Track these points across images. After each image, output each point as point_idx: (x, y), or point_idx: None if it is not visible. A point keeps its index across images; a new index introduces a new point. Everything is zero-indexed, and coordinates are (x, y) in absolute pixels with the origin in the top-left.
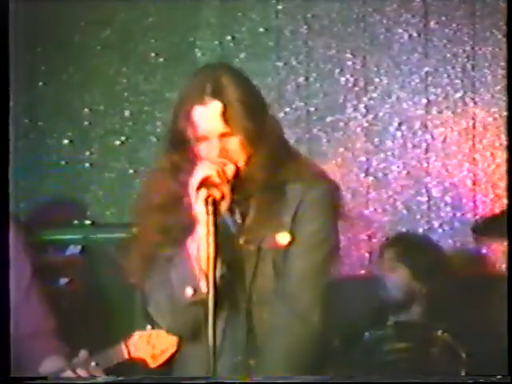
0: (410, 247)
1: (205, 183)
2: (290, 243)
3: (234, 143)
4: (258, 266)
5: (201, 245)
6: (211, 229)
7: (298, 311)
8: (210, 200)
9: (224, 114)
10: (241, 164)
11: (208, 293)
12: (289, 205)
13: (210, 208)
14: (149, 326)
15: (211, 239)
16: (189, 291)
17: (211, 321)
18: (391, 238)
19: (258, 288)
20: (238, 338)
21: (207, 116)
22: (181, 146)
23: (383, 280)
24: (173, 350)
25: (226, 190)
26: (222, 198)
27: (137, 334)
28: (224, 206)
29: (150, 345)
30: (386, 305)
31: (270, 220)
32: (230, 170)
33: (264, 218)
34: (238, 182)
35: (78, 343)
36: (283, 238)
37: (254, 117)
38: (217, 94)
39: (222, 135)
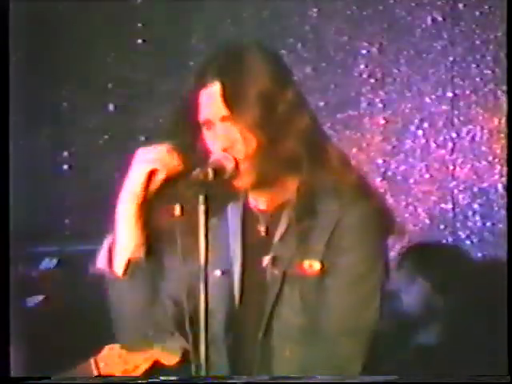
0: (432, 257)
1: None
2: (323, 274)
3: (236, 130)
4: (281, 293)
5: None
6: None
7: (335, 362)
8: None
9: (223, 94)
10: (240, 156)
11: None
12: (322, 227)
13: (202, 208)
14: None
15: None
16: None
17: (203, 326)
18: (410, 247)
19: (281, 320)
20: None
21: (209, 97)
22: (192, 133)
23: (400, 294)
24: (147, 364)
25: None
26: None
27: (107, 348)
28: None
29: (122, 359)
30: (402, 322)
31: (299, 242)
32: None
33: (293, 239)
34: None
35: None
36: (312, 266)
37: (265, 102)
38: (218, 73)
39: (223, 119)
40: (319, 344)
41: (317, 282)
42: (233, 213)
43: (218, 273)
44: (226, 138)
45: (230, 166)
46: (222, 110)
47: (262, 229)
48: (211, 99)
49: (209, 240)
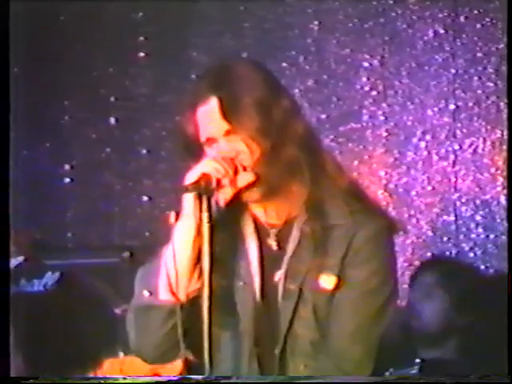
0: (452, 271)
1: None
2: (337, 288)
3: (239, 141)
4: (297, 309)
5: (178, 250)
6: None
7: (346, 370)
8: (204, 206)
9: (222, 109)
10: (249, 168)
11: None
12: (337, 240)
13: (206, 215)
14: (121, 353)
15: (206, 247)
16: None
17: (206, 327)
18: (430, 260)
19: (295, 335)
20: None
21: (209, 114)
22: (195, 153)
23: (417, 308)
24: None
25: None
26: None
27: (108, 362)
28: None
29: (124, 373)
30: (416, 337)
31: (314, 257)
32: (245, 177)
33: (308, 253)
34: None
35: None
36: (329, 282)
37: (264, 112)
38: (216, 87)
39: (226, 133)
40: (330, 356)
41: (330, 296)
42: (245, 227)
43: (240, 283)
44: (231, 150)
45: (217, 176)
46: (224, 125)
47: (273, 243)
48: (211, 116)
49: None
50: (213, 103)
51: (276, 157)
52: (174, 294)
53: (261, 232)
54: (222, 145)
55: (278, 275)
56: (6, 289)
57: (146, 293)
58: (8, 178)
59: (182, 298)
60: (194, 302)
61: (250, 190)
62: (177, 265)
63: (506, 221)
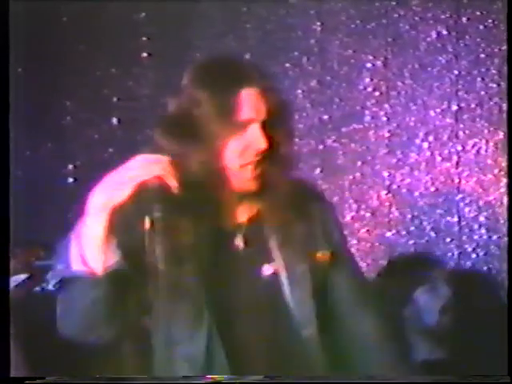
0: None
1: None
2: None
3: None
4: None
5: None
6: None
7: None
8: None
9: (263, 98)
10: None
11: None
12: (313, 228)
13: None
14: None
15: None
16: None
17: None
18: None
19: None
20: None
21: (252, 98)
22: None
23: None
24: None
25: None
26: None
27: None
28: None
29: None
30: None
31: (300, 243)
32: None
33: (294, 244)
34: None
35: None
36: (324, 255)
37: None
38: (253, 78)
39: (264, 122)
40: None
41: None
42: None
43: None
44: (263, 141)
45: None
46: (263, 112)
47: (239, 243)
48: (254, 99)
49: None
50: (253, 90)
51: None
52: (87, 265)
53: (224, 232)
54: (258, 131)
55: (268, 269)
56: (6, 289)
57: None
58: (9, 178)
59: (98, 270)
60: (113, 276)
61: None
62: (90, 237)
63: (507, 222)
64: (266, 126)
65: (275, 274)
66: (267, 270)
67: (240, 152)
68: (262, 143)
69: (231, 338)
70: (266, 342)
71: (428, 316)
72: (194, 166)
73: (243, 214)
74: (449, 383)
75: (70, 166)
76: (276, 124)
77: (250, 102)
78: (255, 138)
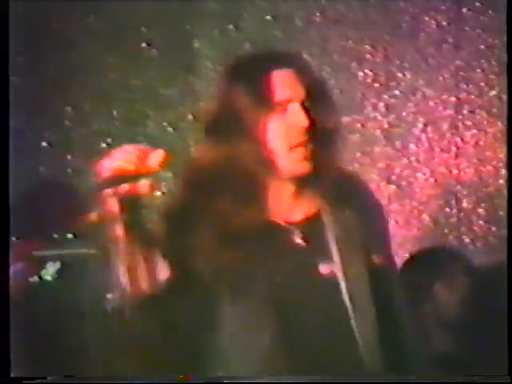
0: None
1: (116, 178)
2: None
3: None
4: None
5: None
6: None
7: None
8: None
9: (300, 79)
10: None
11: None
12: (364, 221)
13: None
14: None
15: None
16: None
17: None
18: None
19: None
20: None
21: (286, 80)
22: (253, 113)
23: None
24: None
25: (144, 183)
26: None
27: None
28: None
29: None
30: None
31: (358, 240)
32: (157, 156)
33: (351, 239)
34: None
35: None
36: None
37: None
38: (291, 60)
39: (303, 101)
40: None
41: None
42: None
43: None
44: (305, 118)
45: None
46: (302, 93)
47: (299, 240)
48: (289, 80)
49: None
50: (287, 72)
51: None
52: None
53: (281, 231)
54: (299, 110)
55: (325, 267)
56: (6, 288)
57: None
58: (7, 170)
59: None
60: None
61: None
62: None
63: (507, 215)
64: (306, 106)
65: (333, 274)
66: (325, 269)
67: (284, 134)
68: (303, 121)
69: (293, 337)
70: (321, 342)
71: (446, 310)
72: (244, 157)
73: (301, 206)
74: (449, 383)
75: (69, 157)
76: (317, 103)
77: (284, 83)
78: (296, 117)
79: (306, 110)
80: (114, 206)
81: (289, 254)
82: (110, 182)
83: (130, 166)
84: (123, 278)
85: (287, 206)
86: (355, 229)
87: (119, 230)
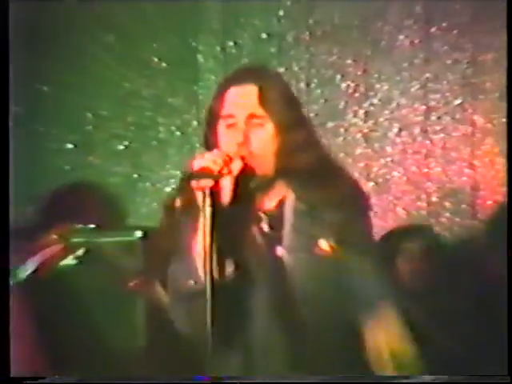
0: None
1: (202, 174)
2: (333, 250)
3: (260, 131)
4: (304, 272)
5: (200, 238)
6: (208, 222)
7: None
8: (206, 192)
9: (261, 96)
10: (269, 154)
11: (205, 285)
12: (325, 214)
13: (208, 200)
14: None
15: (208, 231)
16: (190, 283)
17: (209, 312)
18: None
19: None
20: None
21: (239, 96)
22: (211, 124)
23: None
24: None
25: (227, 183)
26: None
27: None
28: (225, 199)
29: None
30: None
31: (308, 229)
32: (237, 164)
33: (302, 226)
34: (263, 179)
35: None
36: (326, 245)
37: (292, 108)
38: (257, 78)
39: (250, 117)
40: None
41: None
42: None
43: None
44: (246, 134)
45: (216, 169)
46: (252, 109)
47: (265, 226)
48: (242, 97)
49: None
50: (249, 89)
51: (288, 146)
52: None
53: (253, 217)
54: (241, 125)
55: (280, 250)
56: (6, 288)
57: (191, 282)
58: (8, 172)
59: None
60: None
61: (254, 178)
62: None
63: (507, 214)
64: (251, 122)
65: (283, 257)
66: (279, 251)
67: (224, 146)
68: (238, 137)
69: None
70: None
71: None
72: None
73: (272, 195)
74: (449, 383)
75: (91, 157)
76: (279, 115)
77: (234, 99)
78: (233, 133)
79: (251, 126)
80: (198, 196)
81: (257, 238)
82: (198, 176)
83: (216, 167)
84: (200, 267)
85: (260, 196)
86: (309, 217)
87: (201, 221)
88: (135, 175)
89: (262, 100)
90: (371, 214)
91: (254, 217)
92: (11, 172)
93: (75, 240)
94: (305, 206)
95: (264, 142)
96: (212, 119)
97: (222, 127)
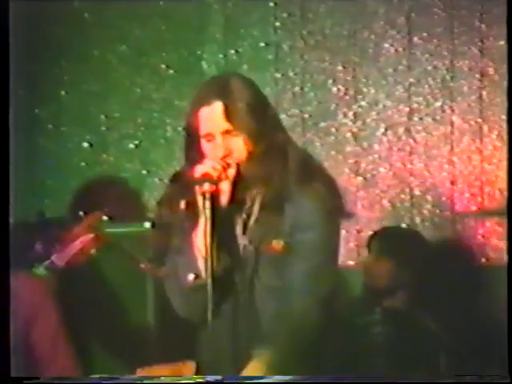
0: (395, 240)
1: (203, 180)
2: (287, 250)
3: (237, 141)
4: (258, 265)
5: (201, 236)
6: (208, 222)
7: (299, 307)
8: (207, 195)
9: (226, 112)
10: (243, 162)
11: (207, 279)
12: (287, 211)
13: (207, 203)
14: None
15: (208, 231)
16: (190, 276)
17: (210, 306)
18: (377, 231)
19: (261, 283)
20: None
21: (211, 115)
22: (193, 144)
23: (370, 269)
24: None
25: (226, 187)
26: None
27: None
28: (224, 201)
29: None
30: (371, 292)
31: (269, 224)
32: (232, 170)
33: (264, 222)
34: (241, 181)
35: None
36: (277, 244)
37: (257, 116)
38: (220, 95)
39: (225, 132)
40: (289, 296)
41: (285, 256)
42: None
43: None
44: (226, 147)
45: (215, 174)
46: (224, 125)
47: (242, 217)
48: (213, 116)
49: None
50: (216, 106)
51: (263, 152)
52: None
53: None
54: (219, 141)
55: (244, 239)
56: (6, 288)
57: (191, 276)
58: (8, 173)
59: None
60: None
61: (242, 183)
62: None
63: (507, 214)
64: (227, 136)
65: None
66: (244, 239)
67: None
68: (220, 151)
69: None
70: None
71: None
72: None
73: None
74: (449, 383)
75: (105, 155)
76: (249, 127)
77: (207, 118)
78: (214, 148)
79: (228, 140)
80: (200, 200)
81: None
82: (199, 181)
83: (216, 172)
84: (200, 262)
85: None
86: (273, 214)
87: (202, 221)
88: (144, 171)
89: (228, 116)
90: (341, 218)
91: (236, 213)
92: (14, 170)
93: (107, 230)
94: (272, 203)
95: (244, 151)
96: (193, 137)
97: (204, 142)
